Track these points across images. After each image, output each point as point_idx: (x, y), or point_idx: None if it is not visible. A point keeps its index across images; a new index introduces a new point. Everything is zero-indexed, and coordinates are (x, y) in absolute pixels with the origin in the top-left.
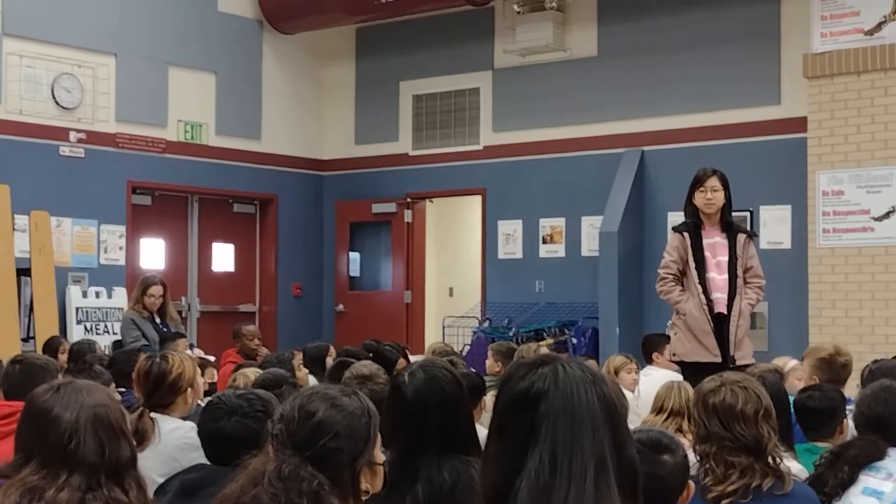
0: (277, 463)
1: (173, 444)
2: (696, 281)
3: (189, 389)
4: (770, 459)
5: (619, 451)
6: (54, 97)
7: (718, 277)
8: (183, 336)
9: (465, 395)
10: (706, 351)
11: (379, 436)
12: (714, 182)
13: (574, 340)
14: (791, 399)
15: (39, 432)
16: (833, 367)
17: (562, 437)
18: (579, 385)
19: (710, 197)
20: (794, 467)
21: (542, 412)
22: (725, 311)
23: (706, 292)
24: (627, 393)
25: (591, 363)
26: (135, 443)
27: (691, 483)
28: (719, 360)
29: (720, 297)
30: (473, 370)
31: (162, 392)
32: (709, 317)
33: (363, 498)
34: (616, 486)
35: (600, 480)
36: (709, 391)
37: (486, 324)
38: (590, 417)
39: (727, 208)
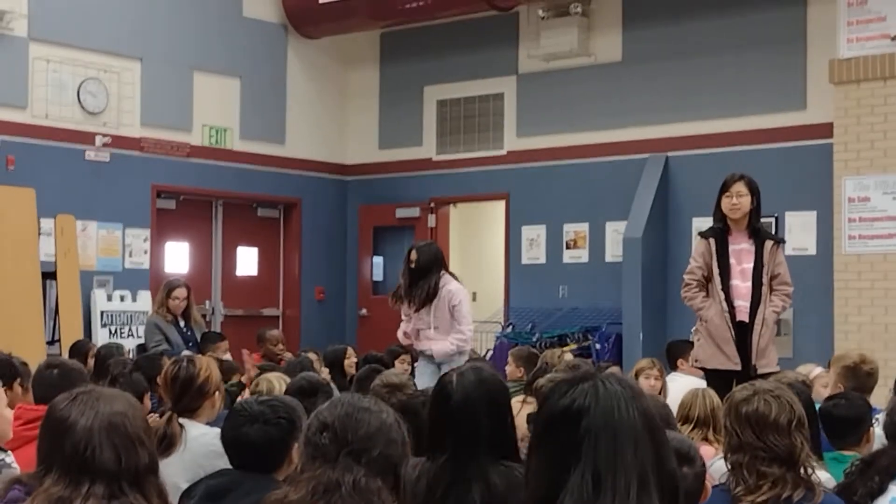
0: (351, 474)
1: (199, 450)
2: (720, 288)
3: (216, 393)
4: (802, 470)
5: (659, 466)
6: (80, 102)
7: (742, 285)
8: (225, 338)
9: (510, 398)
10: (726, 358)
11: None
12: (740, 187)
13: (597, 346)
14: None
15: (57, 441)
16: (858, 376)
17: (604, 454)
18: (620, 401)
19: (736, 202)
20: (822, 476)
21: (583, 428)
22: (747, 320)
23: (729, 299)
24: None
25: (614, 370)
26: (156, 450)
27: (708, 485)
28: (739, 367)
29: (742, 304)
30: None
31: (190, 396)
32: (730, 324)
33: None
34: (658, 502)
35: (643, 496)
36: (741, 400)
37: (510, 329)
38: (631, 433)
39: (755, 214)
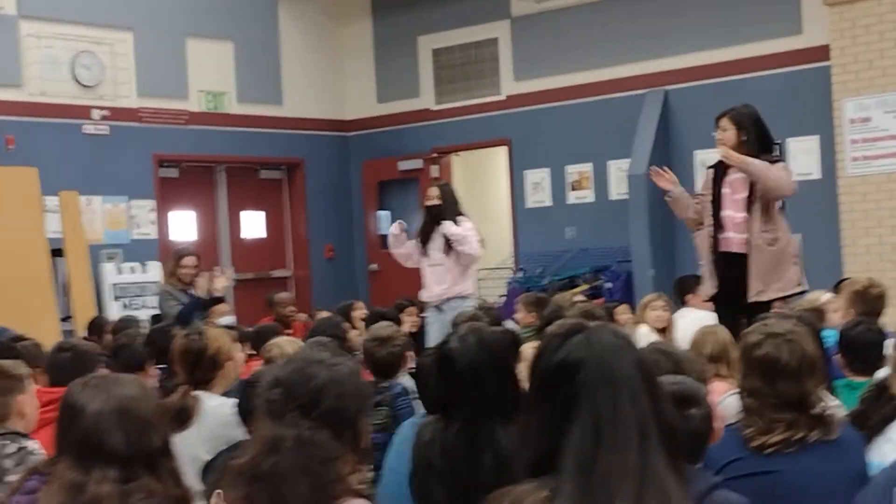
0: (295, 429)
1: (217, 421)
2: (710, 216)
3: (229, 363)
4: (817, 409)
5: (658, 414)
6: (75, 76)
7: (736, 215)
8: (222, 300)
9: (513, 353)
10: (711, 286)
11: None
12: (724, 122)
13: (608, 286)
14: (831, 333)
15: (69, 426)
16: (868, 300)
17: (602, 407)
18: (615, 351)
19: (720, 136)
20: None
21: (580, 381)
22: (735, 250)
23: (716, 227)
24: (650, 333)
25: (624, 308)
26: (171, 426)
27: (717, 426)
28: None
29: (733, 235)
30: (511, 322)
31: (202, 369)
32: (703, 252)
33: (362, 456)
34: (659, 450)
35: (644, 447)
36: (753, 344)
37: (520, 274)
38: (628, 384)
39: (750, 145)
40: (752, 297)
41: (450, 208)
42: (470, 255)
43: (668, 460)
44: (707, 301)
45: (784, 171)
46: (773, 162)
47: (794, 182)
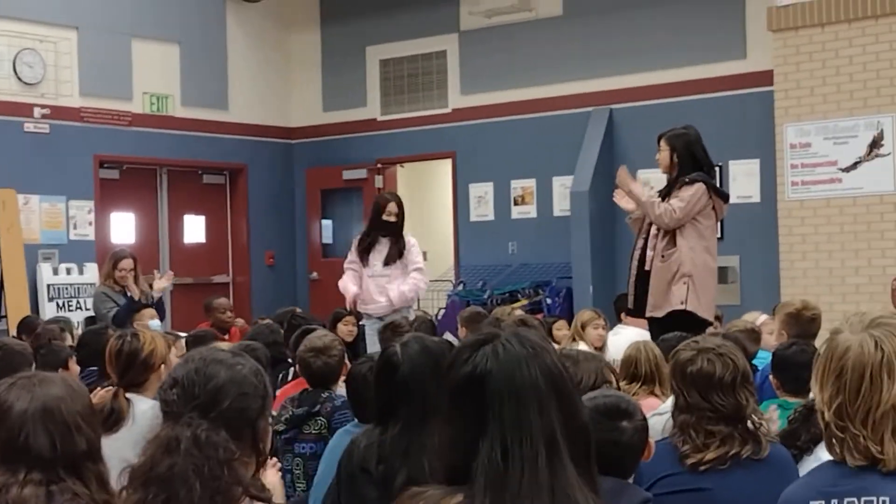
0: (191, 429)
1: (147, 424)
2: (643, 235)
3: (163, 367)
4: (750, 424)
5: (569, 422)
6: (16, 73)
7: (653, 236)
8: (148, 306)
9: None
10: (630, 302)
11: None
12: (661, 143)
13: (548, 301)
14: (766, 355)
15: None
16: (801, 322)
17: (509, 420)
18: (521, 362)
19: (657, 157)
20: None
21: (488, 395)
22: (647, 267)
23: (644, 247)
24: (592, 350)
25: (561, 324)
26: (100, 430)
27: (651, 441)
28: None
29: (649, 254)
30: (450, 335)
31: (135, 371)
32: (631, 271)
33: (262, 458)
34: (570, 460)
35: (553, 459)
36: (686, 360)
37: (461, 287)
38: (534, 394)
39: (682, 167)
40: (648, 312)
41: (402, 224)
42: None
43: (580, 473)
44: (639, 318)
45: (680, 200)
46: (689, 183)
47: (668, 219)
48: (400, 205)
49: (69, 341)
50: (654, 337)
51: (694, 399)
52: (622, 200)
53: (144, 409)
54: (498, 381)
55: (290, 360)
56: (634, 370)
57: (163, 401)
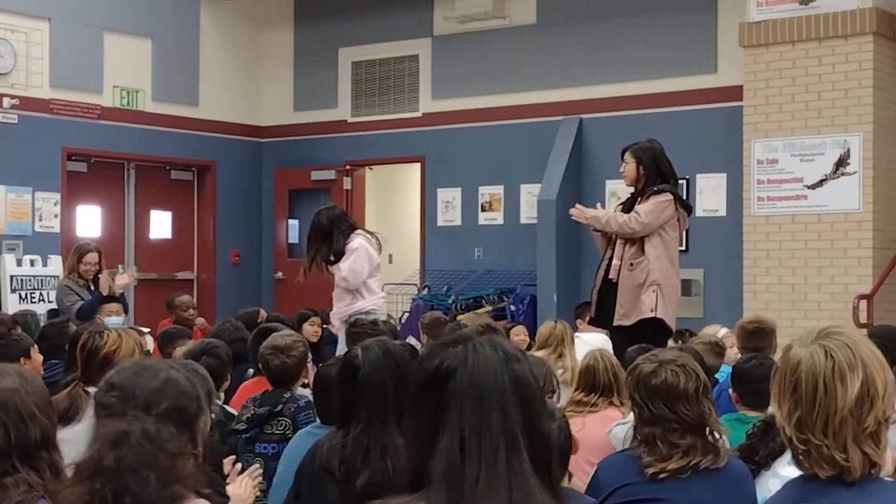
0: (139, 423)
1: None
2: (609, 246)
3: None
4: (710, 436)
5: (532, 429)
6: None
7: (619, 246)
8: (113, 299)
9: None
10: (592, 311)
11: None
12: (626, 156)
13: (512, 308)
14: (727, 368)
15: None
16: (746, 334)
17: (468, 418)
18: (490, 364)
19: (622, 169)
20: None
21: (449, 391)
22: (611, 276)
23: (611, 257)
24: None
25: (519, 329)
26: (54, 424)
27: (576, 437)
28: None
29: (615, 263)
30: (413, 338)
31: (94, 367)
32: (597, 278)
33: (199, 460)
34: (530, 464)
35: (512, 459)
36: (649, 373)
37: (426, 291)
38: (498, 397)
39: (648, 179)
40: (616, 320)
41: (326, 231)
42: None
43: (541, 478)
44: (591, 325)
45: (649, 204)
46: (654, 193)
47: (635, 223)
48: (319, 214)
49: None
50: (618, 345)
51: (659, 410)
52: (580, 218)
53: None
54: (462, 379)
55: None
56: (593, 380)
57: (100, 404)
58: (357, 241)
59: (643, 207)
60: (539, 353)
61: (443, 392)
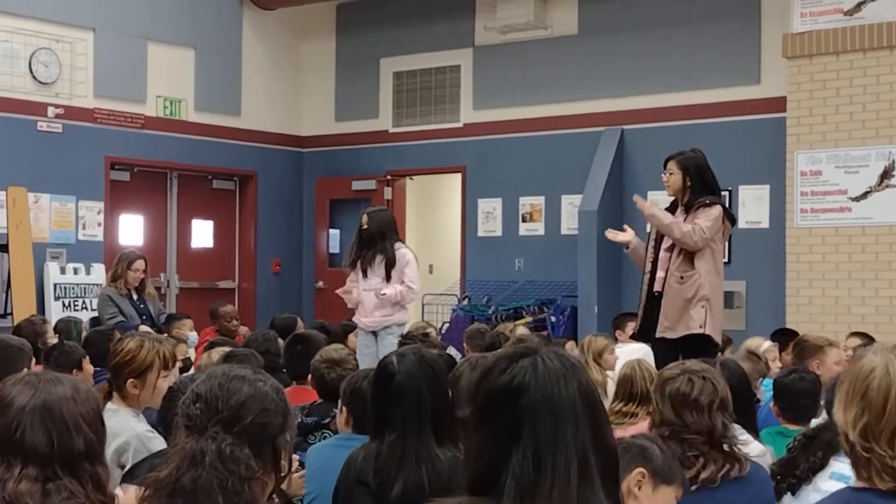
0: (216, 443)
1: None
2: (651, 258)
3: (150, 378)
4: (726, 447)
5: (599, 443)
6: (32, 72)
7: (664, 256)
8: (188, 317)
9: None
10: (635, 326)
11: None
12: (670, 165)
13: (552, 319)
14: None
15: None
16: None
17: (544, 434)
18: (559, 378)
19: (666, 179)
20: (757, 448)
21: (522, 407)
22: (657, 288)
23: (653, 269)
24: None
25: (570, 345)
26: (101, 437)
27: None
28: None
29: (660, 275)
30: (453, 349)
31: (114, 374)
32: (642, 292)
33: (282, 475)
34: (599, 479)
35: (583, 475)
36: (668, 378)
37: (466, 302)
38: (571, 411)
39: (693, 190)
40: (659, 332)
41: (384, 233)
42: (412, 295)
43: (608, 496)
44: (633, 339)
45: (707, 218)
46: (706, 205)
47: (699, 237)
48: (372, 216)
49: (50, 334)
50: (661, 357)
51: (668, 414)
52: (618, 236)
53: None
54: (535, 394)
55: (284, 370)
56: (630, 388)
57: (185, 415)
58: (410, 254)
59: (703, 222)
60: None
61: (515, 407)
